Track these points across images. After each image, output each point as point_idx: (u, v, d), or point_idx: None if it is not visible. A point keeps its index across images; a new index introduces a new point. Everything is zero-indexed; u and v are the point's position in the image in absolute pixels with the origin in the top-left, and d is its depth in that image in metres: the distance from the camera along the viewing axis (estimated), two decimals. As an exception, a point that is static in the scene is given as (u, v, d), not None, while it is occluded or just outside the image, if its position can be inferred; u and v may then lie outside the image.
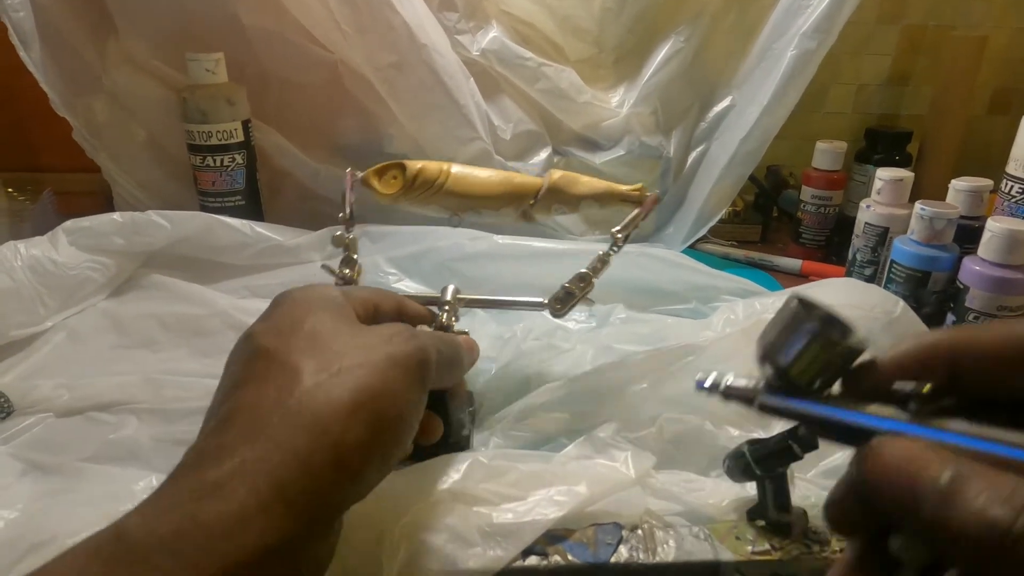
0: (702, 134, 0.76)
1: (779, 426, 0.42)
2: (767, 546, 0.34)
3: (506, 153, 0.72)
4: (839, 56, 0.82)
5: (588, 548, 0.34)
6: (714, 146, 0.74)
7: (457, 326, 0.42)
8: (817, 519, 0.35)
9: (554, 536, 0.34)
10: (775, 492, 0.34)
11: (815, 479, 0.38)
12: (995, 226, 0.51)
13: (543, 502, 0.35)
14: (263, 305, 0.32)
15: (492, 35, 0.70)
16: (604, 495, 0.36)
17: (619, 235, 0.45)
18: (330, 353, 0.28)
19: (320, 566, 0.28)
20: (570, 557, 0.33)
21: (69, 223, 0.57)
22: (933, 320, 0.55)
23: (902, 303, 0.48)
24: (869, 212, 0.63)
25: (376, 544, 0.32)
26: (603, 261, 0.45)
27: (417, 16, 0.64)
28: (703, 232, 0.73)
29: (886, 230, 0.62)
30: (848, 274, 0.66)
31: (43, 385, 0.47)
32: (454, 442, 0.40)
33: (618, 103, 0.75)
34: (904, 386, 0.22)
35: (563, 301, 0.45)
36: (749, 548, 0.34)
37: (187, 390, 0.46)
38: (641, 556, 0.33)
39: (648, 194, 0.46)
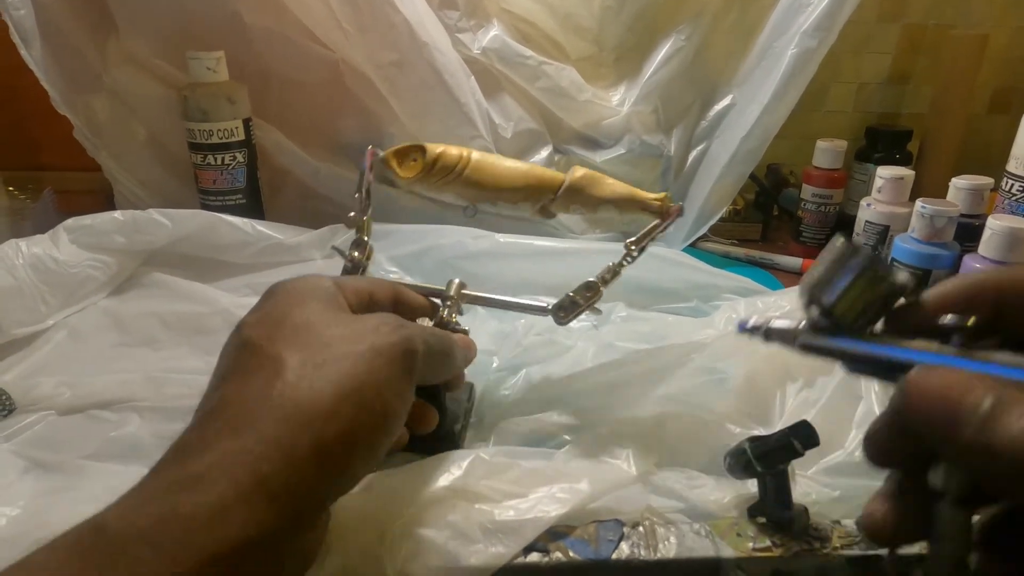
0: (703, 132, 0.76)
1: (780, 424, 0.42)
2: (768, 543, 0.34)
3: (507, 151, 0.72)
4: (840, 55, 0.82)
5: (590, 545, 0.34)
6: (715, 145, 0.74)
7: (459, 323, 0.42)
8: (818, 516, 0.35)
9: (556, 533, 0.34)
10: (776, 489, 0.34)
11: (816, 476, 0.38)
12: (996, 224, 0.51)
13: (545, 499, 0.35)
14: (263, 303, 0.32)
15: (493, 33, 0.70)
16: (605, 492, 0.36)
17: (634, 247, 0.43)
18: (315, 344, 0.28)
19: (306, 558, 0.27)
20: (572, 554, 0.33)
21: (70, 221, 0.57)
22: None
23: (903, 301, 0.48)
24: (870, 210, 0.63)
25: (378, 541, 0.32)
26: (614, 272, 0.43)
27: (418, 14, 0.64)
28: (704, 230, 0.73)
29: (887, 228, 0.62)
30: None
31: (45, 383, 0.47)
32: (446, 434, 0.40)
33: (619, 101, 0.75)
34: (948, 321, 0.22)
35: (567, 310, 0.43)
36: (750, 545, 0.34)
37: (188, 388, 0.46)
38: (642, 553, 0.34)
39: (672, 205, 0.44)
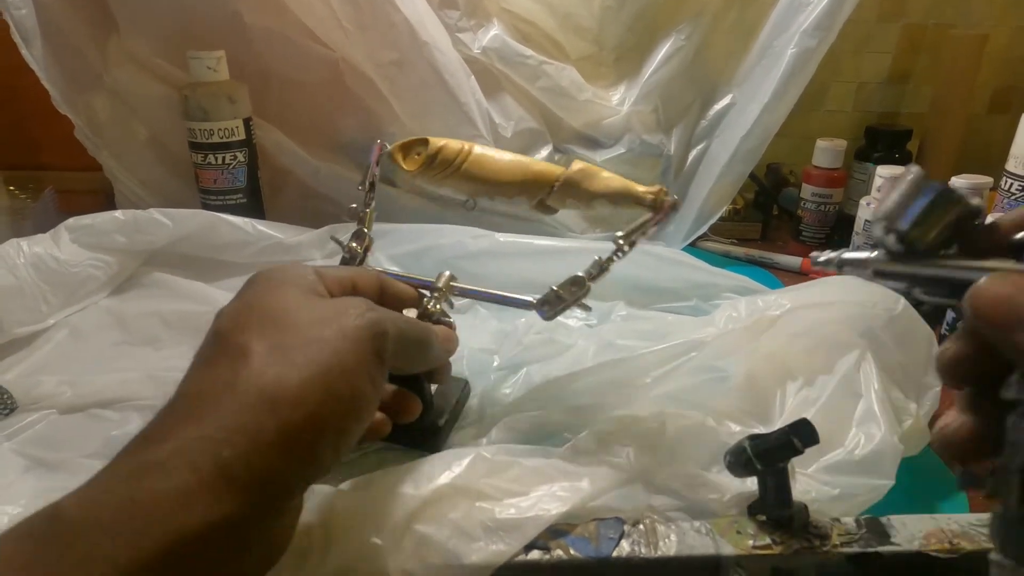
0: (703, 132, 0.76)
1: (780, 422, 0.42)
2: (768, 540, 0.34)
3: (507, 151, 0.72)
4: (839, 54, 0.82)
5: (590, 542, 0.34)
6: (715, 144, 0.75)
7: (456, 319, 0.42)
8: (818, 513, 0.35)
9: (557, 531, 0.34)
10: (776, 487, 0.34)
11: (816, 474, 0.38)
12: (995, 223, 0.51)
13: (545, 497, 0.35)
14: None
15: (493, 33, 0.70)
16: (606, 490, 0.36)
17: (623, 241, 0.40)
18: (283, 330, 0.27)
19: (274, 546, 0.27)
20: (572, 551, 0.33)
21: (71, 221, 0.58)
22: (934, 317, 0.55)
23: (903, 300, 0.48)
24: (869, 210, 0.63)
25: (378, 539, 0.32)
26: (602, 267, 0.41)
27: (418, 14, 0.64)
28: (703, 230, 0.73)
29: (886, 227, 0.62)
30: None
31: (46, 382, 0.47)
32: (429, 426, 0.40)
33: (619, 101, 0.75)
34: (1021, 237, 0.23)
35: (552, 304, 0.41)
36: (750, 542, 0.34)
37: (189, 387, 0.46)
38: (643, 550, 0.34)
39: (666, 199, 0.41)
